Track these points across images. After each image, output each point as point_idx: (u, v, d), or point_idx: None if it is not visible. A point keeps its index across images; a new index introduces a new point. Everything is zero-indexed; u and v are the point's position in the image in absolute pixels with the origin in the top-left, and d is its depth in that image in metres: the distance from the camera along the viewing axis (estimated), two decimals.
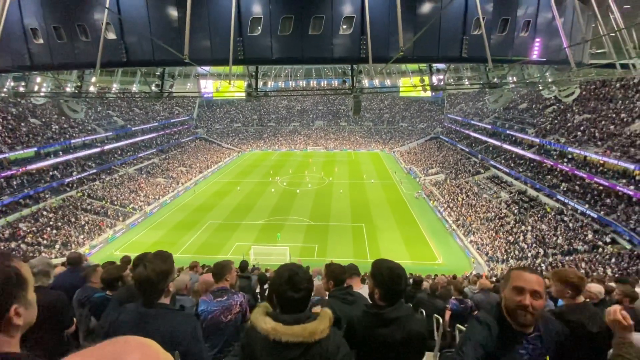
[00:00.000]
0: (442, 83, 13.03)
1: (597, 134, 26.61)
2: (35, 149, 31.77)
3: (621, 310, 1.85)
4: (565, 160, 28.29)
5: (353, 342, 1.97)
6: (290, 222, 30.66)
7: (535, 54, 8.49)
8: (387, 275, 1.94)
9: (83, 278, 3.57)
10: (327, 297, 2.87)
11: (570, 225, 23.98)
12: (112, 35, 7.96)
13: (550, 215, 26.06)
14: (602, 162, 24.88)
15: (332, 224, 30.04)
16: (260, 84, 14.24)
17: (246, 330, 1.63)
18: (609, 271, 18.44)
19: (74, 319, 2.94)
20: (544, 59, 8.72)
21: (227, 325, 2.84)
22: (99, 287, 3.43)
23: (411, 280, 6.87)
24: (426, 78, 13.12)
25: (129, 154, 44.90)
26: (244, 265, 6.20)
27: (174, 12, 7.66)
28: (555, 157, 29.64)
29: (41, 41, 8.30)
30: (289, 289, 1.56)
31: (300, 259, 22.26)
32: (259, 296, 5.66)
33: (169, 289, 1.90)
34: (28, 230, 25.92)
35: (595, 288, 3.40)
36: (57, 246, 25.34)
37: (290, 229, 28.96)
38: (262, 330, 1.46)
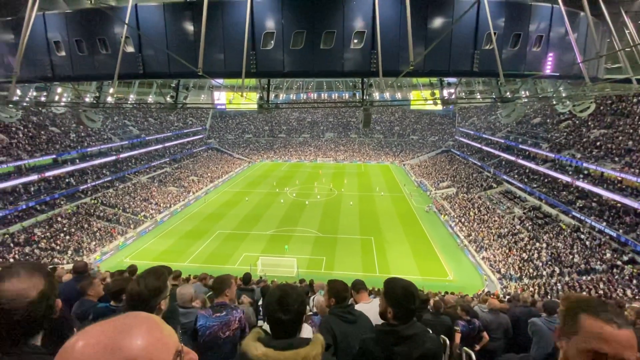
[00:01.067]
0: (453, 97, 12.98)
1: (614, 150, 25.95)
2: (54, 156, 32.78)
3: None
4: (582, 176, 27.60)
5: None
6: (299, 233, 30.54)
7: (548, 69, 8.41)
8: (401, 295, 1.94)
9: (80, 291, 3.53)
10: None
11: (588, 243, 23.19)
12: (130, 49, 8.25)
13: (566, 233, 25.28)
14: (620, 178, 24.17)
15: (341, 236, 29.79)
16: (272, 96, 14.46)
17: (238, 357, 1.58)
18: (629, 292, 17.66)
19: (74, 329, 2.92)
20: (557, 74, 8.62)
21: (224, 342, 2.80)
22: (95, 300, 3.41)
23: None
24: (437, 91, 13.10)
25: (142, 162, 45.87)
26: (247, 277, 6.15)
27: (189, 27, 7.91)
28: (570, 172, 28.96)
29: (63, 53, 8.66)
30: (278, 310, 1.54)
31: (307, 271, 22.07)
32: (260, 309, 5.59)
33: (161, 307, 1.84)
34: (42, 236, 26.49)
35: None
36: (70, 252, 25.78)
37: (299, 241, 28.82)
38: (253, 356, 1.40)
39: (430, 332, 2.15)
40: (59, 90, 12.94)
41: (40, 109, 35.57)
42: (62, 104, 13.05)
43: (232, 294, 3.16)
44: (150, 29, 8.09)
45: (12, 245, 24.31)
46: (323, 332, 2.47)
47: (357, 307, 2.91)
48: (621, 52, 8.96)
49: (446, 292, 12.39)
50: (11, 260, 21.78)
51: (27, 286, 1.09)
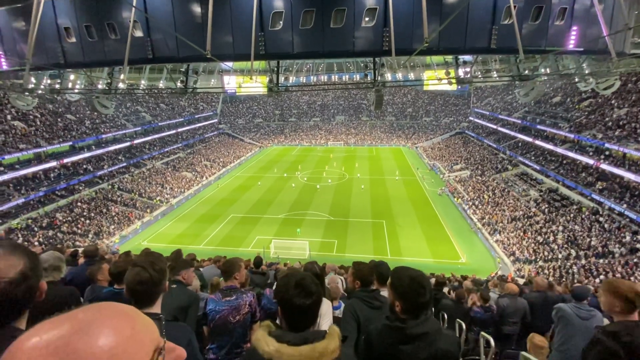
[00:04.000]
0: (468, 76, 12.53)
1: (638, 129, 24.81)
2: (71, 143, 33.59)
3: None
4: (602, 157, 26.62)
5: (372, 357, 1.82)
6: (310, 217, 30.79)
7: (571, 44, 7.96)
8: (409, 286, 1.74)
9: (89, 277, 3.51)
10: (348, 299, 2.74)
11: (606, 226, 22.60)
12: (139, 33, 8.20)
13: (584, 215, 24.67)
14: None
15: (352, 220, 29.89)
16: (281, 79, 14.28)
17: (248, 352, 1.46)
18: None
19: None
20: (581, 49, 8.17)
21: (235, 326, 2.77)
22: (107, 285, 3.37)
23: (433, 281, 6.39)
24: (452, 71, 12.66)
25: (156, 148, 46.57)
26: (258, 261, 6.20)
27: (197, 9, 7.77)
28: (591, 153, 27.96)
29: (74, 40, 8.68)
30: (298, 295, 1.40)
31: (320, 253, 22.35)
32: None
33: (166, 288, 1.77)
34: (64, 220, 27.52)
35: None
36: (90, 235, 26.77)
37: (310, 224, 29.09)
38: (265, 353, 1.28)
39: (445, 316, 2.00)
40: (72, 77, 13.09)
41: (55, 96, 36.20)
42: (76, 91, 13.23)
43: (241, 277, 3.11)
44: (158, 12, 7.99)
45: (36, 229, 25.38)
46: (347, 316, 2.38)
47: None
48: None
49: (461, 276, 12.37)
50: (35, 243, 22.81)
51: (4, 266, 1.05)
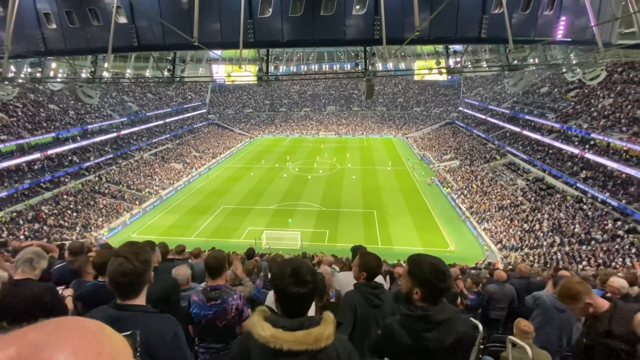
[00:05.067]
0: (458, 66, 12.56)
1: (622, 119, 25.40)
2: (54, 134, 32.64)
3: None
4: (587, 147, 27.23)
5: (394, 350, 1.80)
6: (302, 207, 30.84)
7: (560, 34, 8.03)
8: (430, 273, 1.71)
9: (77, 271, 3.36)
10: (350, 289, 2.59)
11: (590, 214, 23.28)
12: (123, 20, 7.93)
13: (568, 203, 25.34)
14: (626, 148, 23.84)
15: (343, 210, 30.07)
16: (271, 68, 14.06)
17: (243, 336, 1.46)
18: (628, 261, 17.92)
19: (69, 309, 2.75)
20: (569, 39, 8.25)
21: (222, 328, 2.67)
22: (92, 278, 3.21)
23: None
24: (442, 60, 12.66)
25: (144, 139, 45.66)
26: (250, 252, 6.20)
27: None
28: (576, 143, 28.56)
29: (54, 26, 8.35)
30: (293, 283, 1.40)
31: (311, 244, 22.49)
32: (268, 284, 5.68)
33: (151, 279, 1.69)
34: (50, 213, 26.94)
35: (618, 282, 3.25)
36: (78, 228, 26.31)
37: (302, 215, 29.16)
38: (261, 337, 1.30)
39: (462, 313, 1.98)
40: (54, 65, 12.63)
41: (37, 85, 34.98)
42: (58, 80, 12.79)
43: (227, 275, 2.98)
44: None
45: (21, 222, 24.80)
46: (345, 306, 2.34)
47: (340, 275, 2.72)
48: (636, 14, 8.51)
49: (452, 264, 12.59)
50: (21, 237, 22.32)
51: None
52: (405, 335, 1.73)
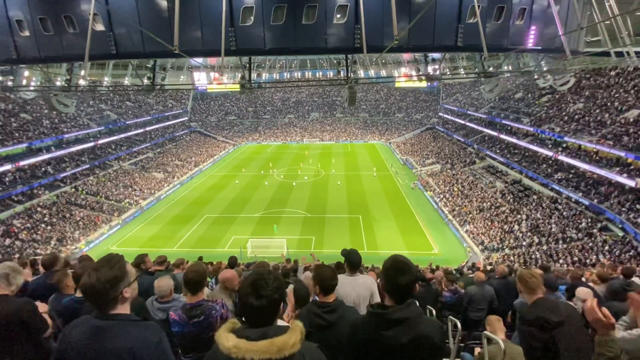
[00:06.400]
0: (437, 72, 12.94)
1: (591, 123, 26.72)
2: (27, 144, 31.31)
3: (600, 309, 1.83)
4: (560, 149, 28.45)
5: (356, 346, 1.87)
6: (287, 214, 30.67)
7: (530, 42, 8.43)
8: (391, 266, 1.81)
9: (55, 285, 3.26)
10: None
11: (565, 213, 24.23)
12: (100, 27, 7.77)
13: (544, 204, 26.30)
14: (595, 150, 25.05)
15: (329, 216, 30.11)
16: (254, 75, 14.07)
17: (212, 349, 1.44)
18: (601, 258, 18.72)
19: (49, 322, 2.65)
20: (539, 47, 8.66)
21: (209, 340, 2.64)
22: (73, 291, 3.16)
23: None
24: (421, 67, 13.02)
25: (123, 148, 44.44)
26: (232, 261, 6.09)
27: (163, 2, 7.47)
28: (550, 146, 29.79)
29: (27, 33, 8.09)
30: (250, 294, 1.40)
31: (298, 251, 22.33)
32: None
33: (124, 296, 1.66)
34: (22, 227, 25.70)
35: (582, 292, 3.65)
36: (53, 242, 25.18)
37: (287, 222, 28.99)
38: (224, 348, 1.28)
39: (428, 316, 2.03)
40: (27, 73, 12.20)
41: (7, 94, 33.58)
42: (31, 88, 12.35)
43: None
44: (121, 4, 7.60)
45: None
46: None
47: (339, 278, 2.56)
48: (601, 24, 9.04)
49: (436, 267, 12.81)
50: None
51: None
52: (366, 331, 1.82)
